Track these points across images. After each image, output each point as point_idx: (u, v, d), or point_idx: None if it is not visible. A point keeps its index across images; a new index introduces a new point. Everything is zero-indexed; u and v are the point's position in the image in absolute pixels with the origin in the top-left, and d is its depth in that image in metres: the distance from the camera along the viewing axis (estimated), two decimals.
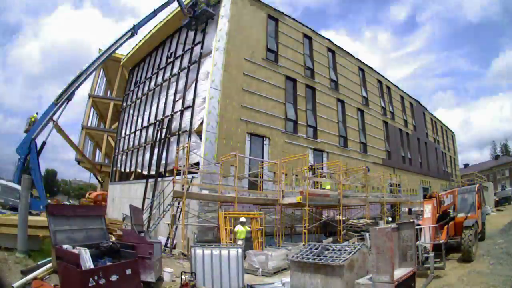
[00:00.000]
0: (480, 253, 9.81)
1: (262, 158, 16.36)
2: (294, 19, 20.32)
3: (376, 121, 26.23)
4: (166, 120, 17.94)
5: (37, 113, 15.44)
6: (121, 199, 21.83)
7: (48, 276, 6.72)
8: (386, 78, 29.17)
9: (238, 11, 16.83)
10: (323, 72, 21.84)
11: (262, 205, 14.55)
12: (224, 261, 7.55)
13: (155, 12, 17.21)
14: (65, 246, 5.93)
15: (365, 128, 24.65)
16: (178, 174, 12.48)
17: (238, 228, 10.99)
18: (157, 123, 18.73)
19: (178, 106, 17.34)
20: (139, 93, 23.38)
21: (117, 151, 25.08)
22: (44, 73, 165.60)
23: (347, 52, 24.63)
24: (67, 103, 14.96)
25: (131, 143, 22.49)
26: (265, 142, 16.81)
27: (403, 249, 6.27)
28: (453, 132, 45.25)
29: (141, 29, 17.11)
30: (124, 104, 26.37)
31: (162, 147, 17.30)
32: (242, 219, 11.25)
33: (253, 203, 14.22)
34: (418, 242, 8.37)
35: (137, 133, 21.74)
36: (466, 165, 61.93)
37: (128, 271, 6.09)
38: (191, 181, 13.07)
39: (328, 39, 22.83)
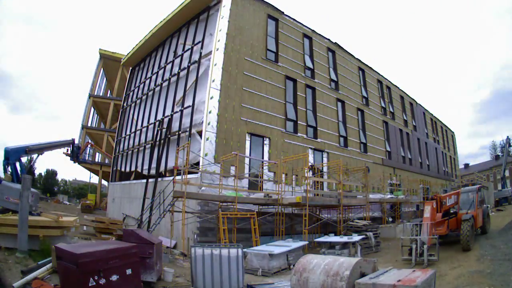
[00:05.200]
0: (480, 253, 9.82)
1: (262, 158, 16.36)
2: (294, 19, 20.32)
3: (376, 121, 26.22)
4: (166, 120, 17.95)
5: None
6: (121, 199, 21.85)
7: (48, 276, 6.73)
8: (386, 78, 29.18)
9: (238, 11, 16.82)
10: (323, 71, 21.83)
11: (262, 205, 14.55)
12: (224, 261, 7.53)
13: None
14: None
15: (365, 128, 24.65)
16: (178, 174, 12.48)
17: None
18: (157, 123, 18.73)
19: (178, 106, 17.35)
20: (140, 93, 23.38)
21: (117, 151, 25.08)
22: None
23: (347, 52, 24.62)
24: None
25: (131, 143, 22.49)
26: (265, 142, 16.80)
27: None
28: (453, 132, 45.26)
29: (142, 28, 17.21)
30: (125, 104, 26.38)
31: (162, 147, 17.30)
32: None
33: (253, 203, 14.21)
34: (418, 237, 9.81)
35: (138, 133, 21.74)
36: (466, 165, 61.94)
37: (128, 271, 6.08)
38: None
39: (328, 39, 22.82)
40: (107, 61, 33.71)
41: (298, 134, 18.66)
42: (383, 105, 27.80)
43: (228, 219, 12.19)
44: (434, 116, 38.41)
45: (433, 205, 10.35)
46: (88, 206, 25.91)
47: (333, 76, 22.78)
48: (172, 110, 17.73)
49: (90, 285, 5.31)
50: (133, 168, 21.11)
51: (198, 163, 13.87)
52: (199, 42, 17.25)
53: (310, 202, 13.53)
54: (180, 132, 16.57)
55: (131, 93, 25.54)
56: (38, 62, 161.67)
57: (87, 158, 31.67)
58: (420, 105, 34.97)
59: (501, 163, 34.31)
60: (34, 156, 19.29)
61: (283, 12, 19.60)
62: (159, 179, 16.59)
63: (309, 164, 17.11)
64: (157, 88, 20.49)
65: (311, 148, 19.10)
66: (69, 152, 25.75)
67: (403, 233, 14.18)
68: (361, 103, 24.86)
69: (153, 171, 17.53)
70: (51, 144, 21.19)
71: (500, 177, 37.63)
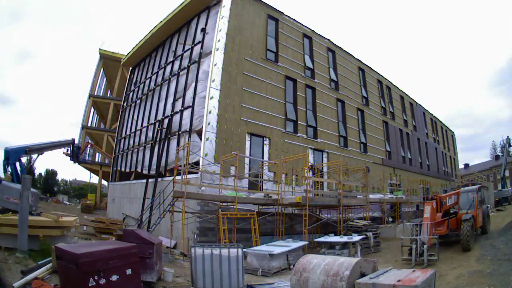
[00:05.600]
0: (480, 253, 9.82)
1: (262, 158, 16.36)
2: (294, 19, 20.32)
3: (376, 121, 26.22)
4: (166, 120, 17.95)
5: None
6: (121, 199, 21.85)
7: (48, 276, 6.73)
8: (386, 78, 29.18)
9: (238, 11, 16.83)
10: (323, 72, 21.83)
11: (262, 205, 14.55)
12: (224, 261, 7.53)
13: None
14: None
15: (365, 128, 24.65)
16: (178, 174, 12.48)
17: None
18: (157, 123, 18.74)
19: (178, 106, 17.34)
20: (139, 93, 23.38)
21: (117, 151, 25.08)
22: None
23: (347, 52, 24.62)
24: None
25: (131, 143, 22.49)
26: (265, 142, 16.81)
27: None
28: (453, 132, 45.27)
29: (142, 28, 17.24)
30: (125, 104, 26.37)
31: (162, 147, 17.30)
32: None
33: (253, 203, 14.21)
34: (418, 237, 9.85)
35: (137, 133, 21.74)
36: (466, 165, 61.88)
37: (128, 271, 6.08)
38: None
39: (328, 39, 22.82)
40: (107, 61, 33.72)
41: (298, 134, 18.66)
42: (383, 105, 27.80)
43: (228, 219, 12.18)
44: (434, 116, 38.41)
45: (433, 205, 10.37)
46: (88, 206, 25.92)
47: (333, 76, 22.78)
48: (172, 110, 17.72)
49: (90, 285, 5.31)
50: (133, 168, 21.11)
51: (198, 163, 13.87)
52: (199, 42, 17.25)
53: (310, 202, 13.53)
54: (180, 132, 16.56)
55: (131, 93, 25.53)
56: (37, 61, 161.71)
57: (87, 158, 31.68)
58: (420, 105, 34.96)
59: (501, 163, 34.34)
60: (34, 156, 19.32)
61: (283, 12, 19.59)
62: (159, 179, 16.60)
63: (309, 164, 17.11)
64: (157, 88, 20.49)
65: (311, 148, 19.10)
66: (69, 152, 25.77)
67: (403, 233, 14.17)
68: (361, 103, 24.86)
69: (153, 171, 17.54)
70: (51, 144, 21.21)
71: (500, 177, 37.64)
